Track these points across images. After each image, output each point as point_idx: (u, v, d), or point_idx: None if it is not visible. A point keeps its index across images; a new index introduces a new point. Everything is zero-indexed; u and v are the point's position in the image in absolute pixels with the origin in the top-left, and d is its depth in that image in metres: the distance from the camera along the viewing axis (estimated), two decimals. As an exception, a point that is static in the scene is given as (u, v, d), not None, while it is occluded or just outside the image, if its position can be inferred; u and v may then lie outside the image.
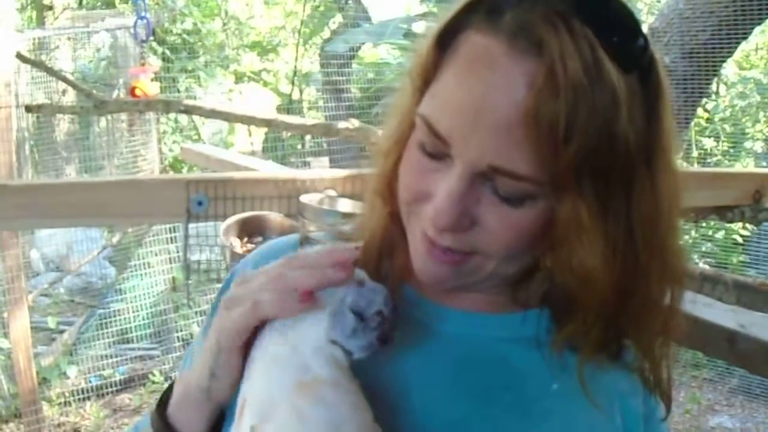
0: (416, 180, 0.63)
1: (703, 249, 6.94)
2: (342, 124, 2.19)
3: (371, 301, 0.57)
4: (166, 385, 0.77)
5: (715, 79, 7.56)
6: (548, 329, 0.68)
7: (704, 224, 7.00)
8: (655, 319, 0.66)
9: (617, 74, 0.57)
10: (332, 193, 1.46)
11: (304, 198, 1.40)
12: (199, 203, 1.46)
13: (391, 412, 0.60)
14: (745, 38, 4.03)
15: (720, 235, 6.99)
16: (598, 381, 0.66)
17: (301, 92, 8.10)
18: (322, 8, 8.20)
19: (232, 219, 1.38)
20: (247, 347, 0.59)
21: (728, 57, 4.24)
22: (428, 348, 0.66)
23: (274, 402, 0.54)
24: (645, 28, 0.63)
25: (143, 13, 2.70)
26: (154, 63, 5.52)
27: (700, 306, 1.13)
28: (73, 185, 1.59)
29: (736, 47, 4.09)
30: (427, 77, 0.63)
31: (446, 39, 0.62)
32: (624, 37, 0.58)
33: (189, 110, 2.69)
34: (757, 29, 7.38)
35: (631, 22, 0.59)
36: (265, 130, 7.18)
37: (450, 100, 0.59)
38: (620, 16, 0.59)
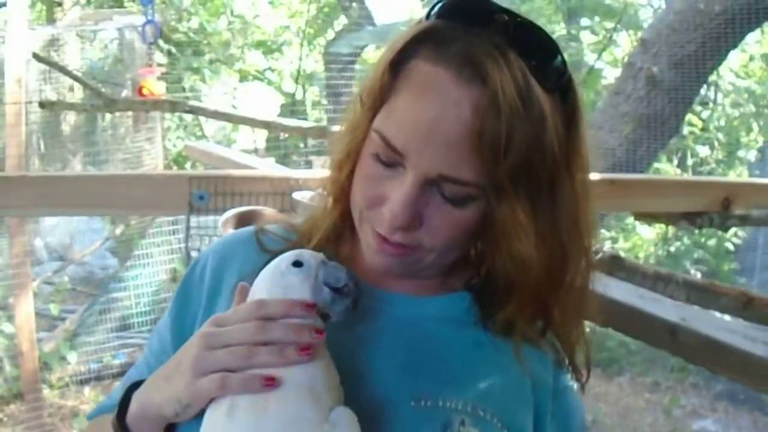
0: (371, 187, 0.72)
1: (695, 256, 7.03)
2: (337, 128, 2.29)
3: (338, 277, 0.68)
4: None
5: (713, 87, 7.67)
6: (469, 309, 0.79)
7: (696, 231, 7.10)
8: (572, 301, 0.78)
9: (543, 95, 0.69)
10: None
11: (297, 195, 1.52)
12: (201, 198, 1.59)
13: (346, 380, 0.70)
14: (731, 50, 4.13)
15: (712, 242, 7.08)
16: (520, 354, 0.77)
17: (304, 92, 8.15)
18: (326, 9, 8.29)
19: (230, 213, 1.50)
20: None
21: (715, 68, 4.35)
22: (370, 326, 0.76)
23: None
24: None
25: (151, 17, 2.82)
26: (160, 60, 5.63)
27: (649, 301, 1.25)
28: (85, 178, 1.71)
29: (723, 58, 4.20)
30: (380, 98, 0.72)
31: (398, 66, 0.71)
32: (548, 63, 0.70)
33: (193, 111, 2.81)
34: (752, 39, 7.48)
35: (553, 51, 0.71)
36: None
37: (406, 119, 0.69)
38: (544, 47, 0.71)
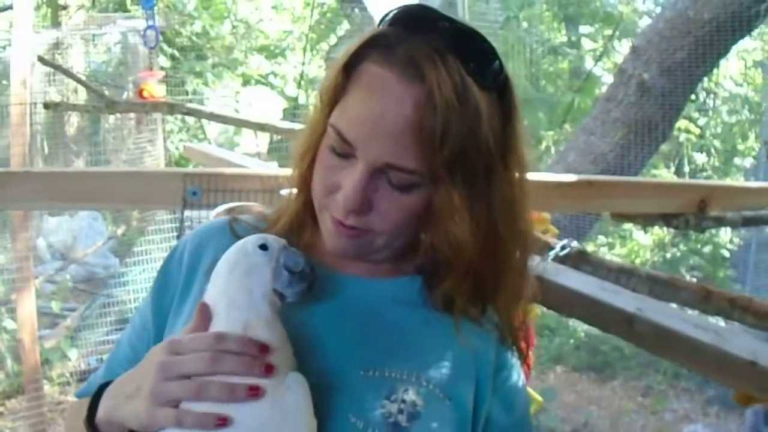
0: (328, 176, 0.81)
1: (691, 262, 7.09)
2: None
3: (297, 262, 0.77)
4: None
5: (712, 95, 7.72)
6: (419, 291, 0.87)
7: (693, 238, 7.16)
8: (510, 283, 0.86)
9: (480, 93, 0.77)
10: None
11: (284, 192, 1.60)
12: (194, 194, 1.68)
13: (301, 352, 0.77)
14: (720, 57, 4.20)
15: (707, 249, 7.13)
16: (461, 331, 0.85)
17: (307, 96, 8.22)
18: (329, 15, 8.39)
19: (221, 207, 1.57)
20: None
21: (705, 74, 4.41)
22: (326, 305, 0.84)
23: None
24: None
25: (152, 22, 2.90)
26: (163, 64, 5.71)
27: (610, 293, 1.33)
28: (85, 174, 1.81)
29: (712, 65, 4.27)
30: (335, 97, 0.81)
31: (350, 68, 0.80)
32: (484, 66, 0.79)
33: (190, 112, 2.90)
34: (750, 47, 7.54)
35: (490, 55, 0.79)
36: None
37: (356, 114, 0.78)
38: (482, 51, 0.79)
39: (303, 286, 0.77)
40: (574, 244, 1.44)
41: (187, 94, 6.18)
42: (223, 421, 0.68)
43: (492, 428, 0.85)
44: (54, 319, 5.13)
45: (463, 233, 0.80)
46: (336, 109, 0.81)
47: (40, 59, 3.76)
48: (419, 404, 0.79)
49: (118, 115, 5.49)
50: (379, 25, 0.83)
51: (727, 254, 7.03)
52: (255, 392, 0.69)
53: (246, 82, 8.06)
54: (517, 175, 0.83)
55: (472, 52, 0.78)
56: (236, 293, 0.75)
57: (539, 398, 1.69)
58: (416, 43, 0.78)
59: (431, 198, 0.80)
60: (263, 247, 0.77)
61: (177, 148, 6.73)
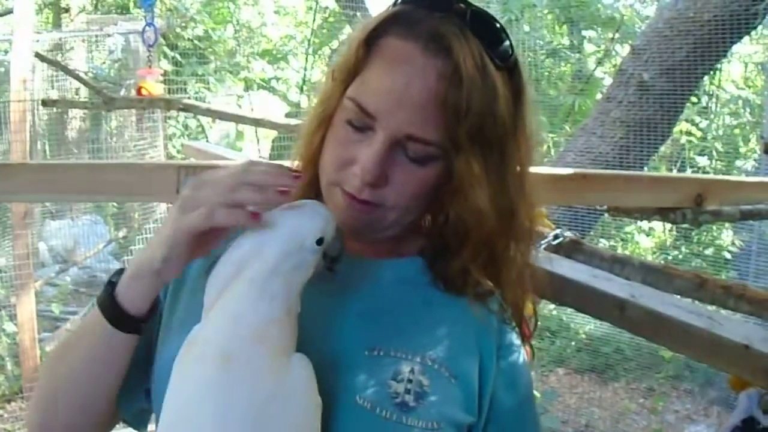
0: (342, 149, 0.81)
1: (693, 265, 7.06)
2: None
3: (335, 248, 0.78)
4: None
5: (714, 98, 7.71)
6: (421, 272, 0.88)
7: (694, 240, 7.14)
8: (518, 259, 0.88)
9: (495, 71, 0.80)
10: (303, 179, 1.64)
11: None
12: (189, 185, 1.68)
13: (306, 332, 0.76)
14: (720, 57, 4.20)
15: (709, 251, 7.11)
16: (467, 311, 0.86)
17: (309, 101, 8.17)
18: (331, 19, 8.41)
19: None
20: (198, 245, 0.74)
21: (705, 74, 4.42)
22: (331, 285, 0.83)
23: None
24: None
25: (151, 20, 2.93)
26: (164, 67, 5.74)
27: (602, 280, 1.32)
28: (81, 165, 1.81)
29: (712, 65, 4.27)
30: (353, 71, 0.82)
31: (370, 42, 0.82)
32: (498, 46, 0.82)
33: (187, 108, 2.92)
34: (752, 50, 7.53)
35: (503, 36, 0.83)
36: (273, 136, 7.31)
37: (379, 86, 0.79)
38: (496, 31, 0.82)
39: (327, 273, 0.79)
40: (567, 233, 1.44)
41: (189, 97, 6.19)
42: (256, 215, 0.71)
43: (497, 409, 0.85)
44: (55, 322, 5.13)
45: (483, 201, 0.82)
46: (354, 82, 0.82)
47: (38, 55, 3.78)
48: (425, 384, 0.80)
49: (120, 118, 5.52)
50: (394, 4, 0.85)
51: (728, 256, 7.00)
52: (285, 192, 0.73)
53: (248, 86, 8.08)
54: (525, 149, 0.85)
55: (488, 32, 0.81)
56: (277, 287, 0.73)
57: (537, 395, 1.68)
58: (438, 19, 0.80)
59: (446, 172, 0.82)
60: (320, 241, 0.75)
61: (178, 152, 6.75)
